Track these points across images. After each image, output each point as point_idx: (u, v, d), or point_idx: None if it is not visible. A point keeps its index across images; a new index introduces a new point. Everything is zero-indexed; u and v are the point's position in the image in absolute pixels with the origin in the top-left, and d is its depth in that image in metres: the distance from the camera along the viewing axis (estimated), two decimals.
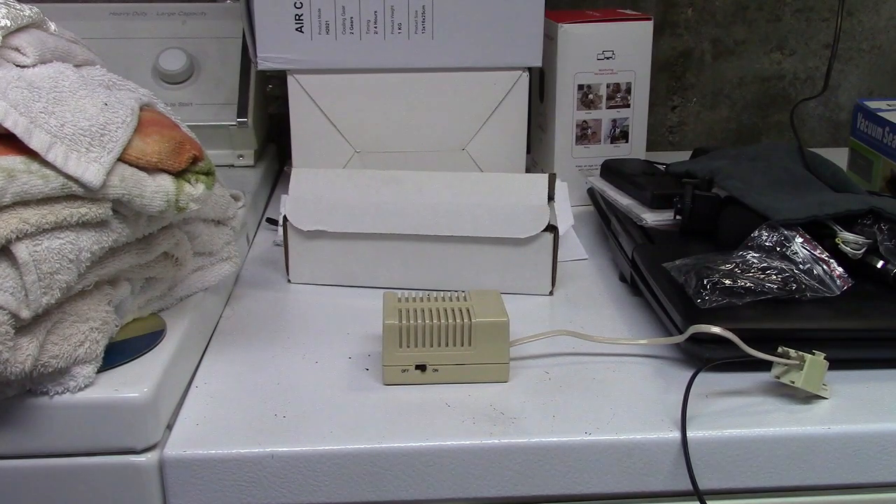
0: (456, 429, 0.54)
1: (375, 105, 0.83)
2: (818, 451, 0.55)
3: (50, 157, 0.50)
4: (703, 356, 0.59)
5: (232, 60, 0.94)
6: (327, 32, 0.80)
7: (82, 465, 0.53)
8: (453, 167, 0.84)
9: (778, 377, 0.57)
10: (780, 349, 0.57)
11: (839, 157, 0.91)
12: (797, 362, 0.56)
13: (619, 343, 0.63)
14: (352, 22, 0.80)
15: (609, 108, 0.90)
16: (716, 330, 0.56)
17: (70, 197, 0.50)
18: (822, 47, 1.12)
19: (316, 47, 0.80)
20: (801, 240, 0.65)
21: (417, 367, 0.59)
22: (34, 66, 0.55)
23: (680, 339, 0.59)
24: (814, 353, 0.56)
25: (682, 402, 0.55)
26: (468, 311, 0.59)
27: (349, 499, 0.54)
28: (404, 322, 0.58)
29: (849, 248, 0.66)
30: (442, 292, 0.62)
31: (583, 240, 0.83)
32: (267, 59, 0.81)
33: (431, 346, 0.58)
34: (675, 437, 0.54)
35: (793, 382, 0.56)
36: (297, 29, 0.80)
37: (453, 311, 0.59)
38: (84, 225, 0.51)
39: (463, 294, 0.62)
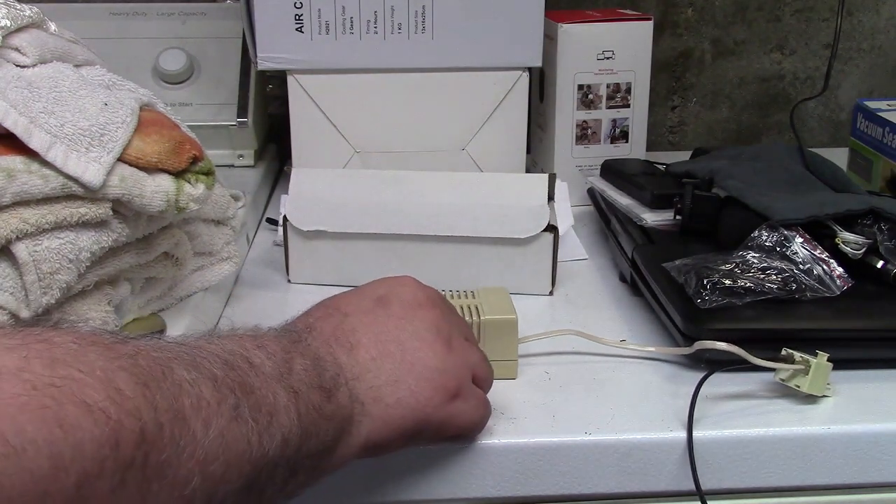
0: None
1: (375, 105, 0.83)
2: (819, 450, 0.55)
3: (50, 157, 0.50)
4: (704, 358, 0.59)
5: (232, 60, 0.94)
6: (327, 32, 0.80)
7: None
8: (453, 167, 0.84)
9: (783, 380, 0.57)
10: (784, 351, 0.57)
11: (839, 157, 0.91)
12: (802, 367, 0.56)
13: (624, 347, 0.63)
14: (352, 22, 0.80)
15: (609, 108, 0.90)
16: (722, 346, 0.56)
17: (70, 197, 0.50)
18: (822, 47, 1.12)
19: (316, 47, 0.80)
20: (801, 240, 0.65)
21: None
22: (34, 66, 0.55)
23: (687, 350, 0.59)
24: (817, 355, 0.56)
25: (686, 404, 0.55)
26: (477, 308, 0.59)
27: (348, 499, 0.54)
28: None
29: (849, 248, 0.66)
30: (450, 290, 0.62)
31: (583, 240, 0.83)
32: (267, 59, 0.81)
33: None
34: (675, 437, 0.54)
35: (798, 387, 0.56)
36: (297, 29, 0.80)
37: (462, 308, 0.59)
38: (84, 225, 0.51)
39: (471, 292, 0.62)
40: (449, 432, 0.49)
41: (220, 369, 0.38)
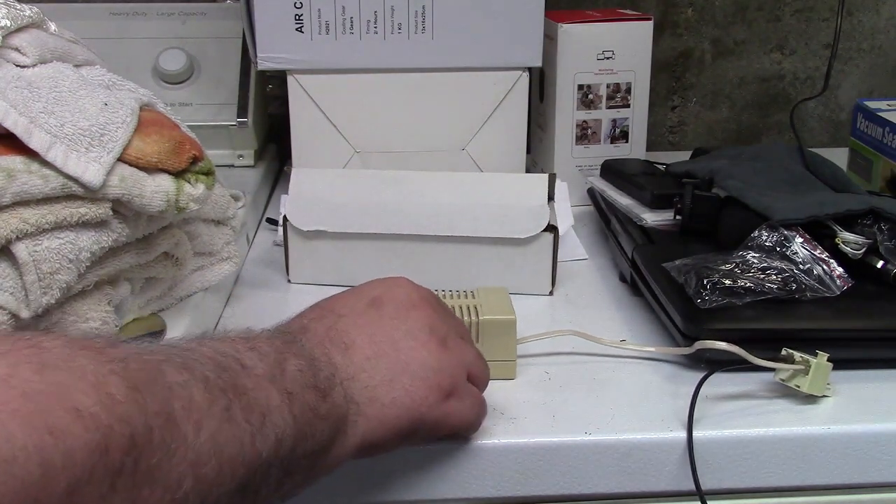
0: None
1: (375, 105, 0.83)
2: (819, 450, 0.55)
3: (50, 157, 0.50)
4: (704, 358, 0.59)
5: (232, 60, 0.94)
6: (327, 32, 0.80)
7: None
8: (453, 167, 0.84)
9: (783, 380, 0.57)
10: (784, 352, 0.57)
11: (839, 157, 0.91)
12: (802, 367, 0.56)
13: (624, 347, 0.63)
14: (352, 22, 0.80)
15: (609, 108, 0.90)
16: (722, 346, 0.56)
17: (70, 197, 0.50)
18: (822, 47, 1.12)
19: (316, 47, 0.80)
20: (801, 240, 0.65)
21: None
22: (34, 66, 0.55)
23: (687, 350, 0.59)
24: (817, 355, 0.56)
25: (686, 404, 0.55)
26: (476, 308, 0.59)
27: (349, 499, 0.54)
28: None
29: (849, 248, 0.66)
30: (450, 290, 0.62)
31: (583, 240, 0.83)
32: (267, 59, 0.81)
33: None
34: (675, 437, 0.54)
35: (798, 387, 0.56)
36: (297, 29, 0.80)
37: (461, 308, 0.59)
38: (84, 225, 0.51)
39: (471, 292, 0.62)
40: (444, 431, 0.49)
41: (212, 371, 0.38)
